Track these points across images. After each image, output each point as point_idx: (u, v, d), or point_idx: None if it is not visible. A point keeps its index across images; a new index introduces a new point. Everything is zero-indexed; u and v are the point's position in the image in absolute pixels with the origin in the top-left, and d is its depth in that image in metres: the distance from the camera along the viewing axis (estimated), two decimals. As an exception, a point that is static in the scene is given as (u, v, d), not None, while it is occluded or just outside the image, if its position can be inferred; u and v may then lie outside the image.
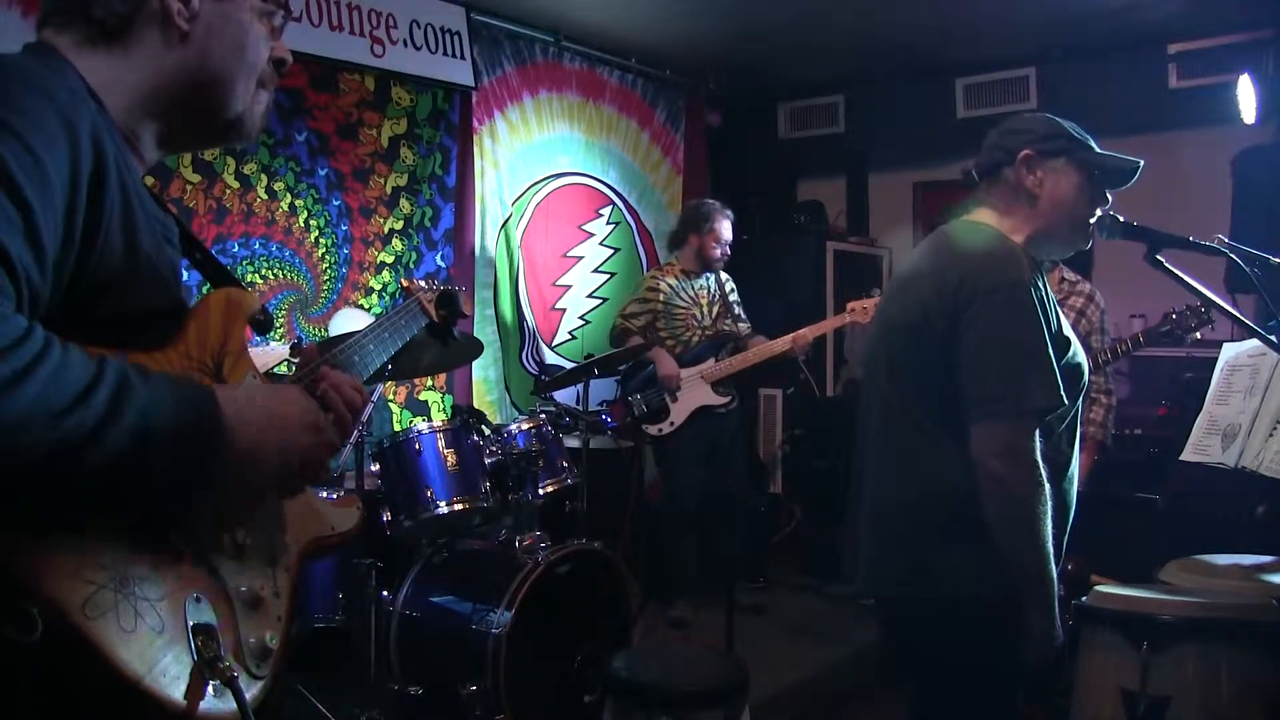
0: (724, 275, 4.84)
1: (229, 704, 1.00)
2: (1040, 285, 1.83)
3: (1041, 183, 1.92)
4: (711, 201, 4.75)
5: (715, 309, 4.77)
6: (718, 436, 4.68)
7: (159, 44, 1.13)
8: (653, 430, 4.66)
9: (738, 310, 4.84)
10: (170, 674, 0.95)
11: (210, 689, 0.98)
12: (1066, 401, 1.78)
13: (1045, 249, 2.00)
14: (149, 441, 0.90)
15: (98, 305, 1.02)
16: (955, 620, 1.81)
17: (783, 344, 4.57)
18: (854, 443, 2.07)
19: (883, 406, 1.93)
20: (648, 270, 5.95)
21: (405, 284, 1.67)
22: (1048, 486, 1.76)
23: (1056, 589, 1.78)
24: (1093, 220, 1.98)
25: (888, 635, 2.05)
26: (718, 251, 4.68)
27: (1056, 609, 1.78)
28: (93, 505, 0.91)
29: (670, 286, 4.72)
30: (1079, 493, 1.98)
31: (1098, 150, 1.95)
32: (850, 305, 4.46)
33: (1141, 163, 1.95)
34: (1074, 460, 1.94)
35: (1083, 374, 1.91)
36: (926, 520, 1.84)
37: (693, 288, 4.75)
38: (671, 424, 4.63)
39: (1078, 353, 1.90)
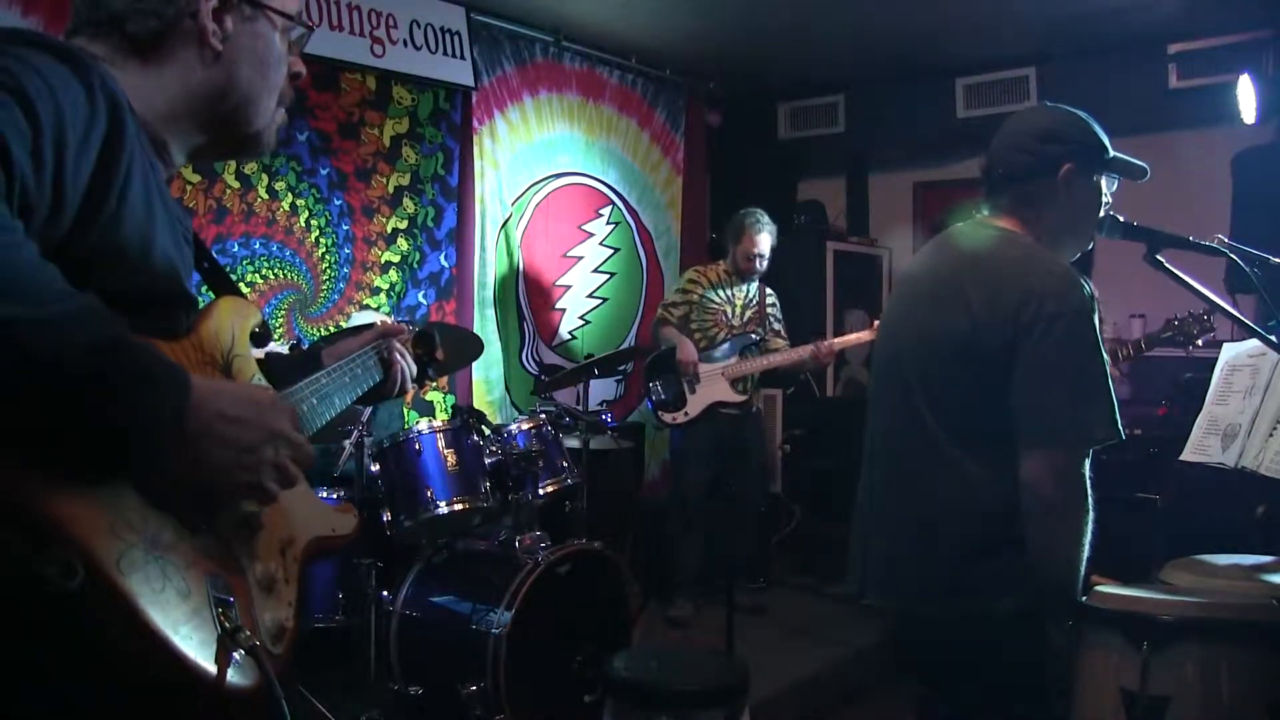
0: (769, 290, 4.91)
1: (248, 679, 1.01)
2: (1095, 304, 1.78)
3: (1075, 195, 1.89)
4: (752, 212, 4.76)
5: (748, 314, 4.82)
6: (730, 439, 4.69)
7: (191, 62, 1.16)
8: (667, 418, 4.69)
9: (777, 325, 4.89)
10: (196, 639, 0.96)
11: (234, 661, 0.99)
12: (1124, 435, 1.76)
13: (1062, 254, 1.96)
14: (106, 371, 0.89)
15: (110, 275, 1.02)
16: (991, 632, 1.81)
17: (800, 353, 4.59)
18: (865, 446, 2.04)
19: (913, 420, 1.88)
20: (646, 269, 5.98)
21: (381, 324, 1.67)
22: (1093, 511, 1.76)
23: (1079, 597, 1.81)
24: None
25: (915, 650, 2.03)
26: (741, 262, 4.74)
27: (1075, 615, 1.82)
28: (31, 419, 0.89)
29: (709, 284, 4.81)
30: None
31: (1115, 154, 1.93)
32: (876, 322, 4.45)
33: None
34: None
35: None
36: (963, 537, 1.82)
37: (729, 291, 4.82)
38: (686, 414, 4.66)
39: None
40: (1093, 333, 1.74)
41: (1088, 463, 1.76)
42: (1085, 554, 1.77)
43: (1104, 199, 1.95)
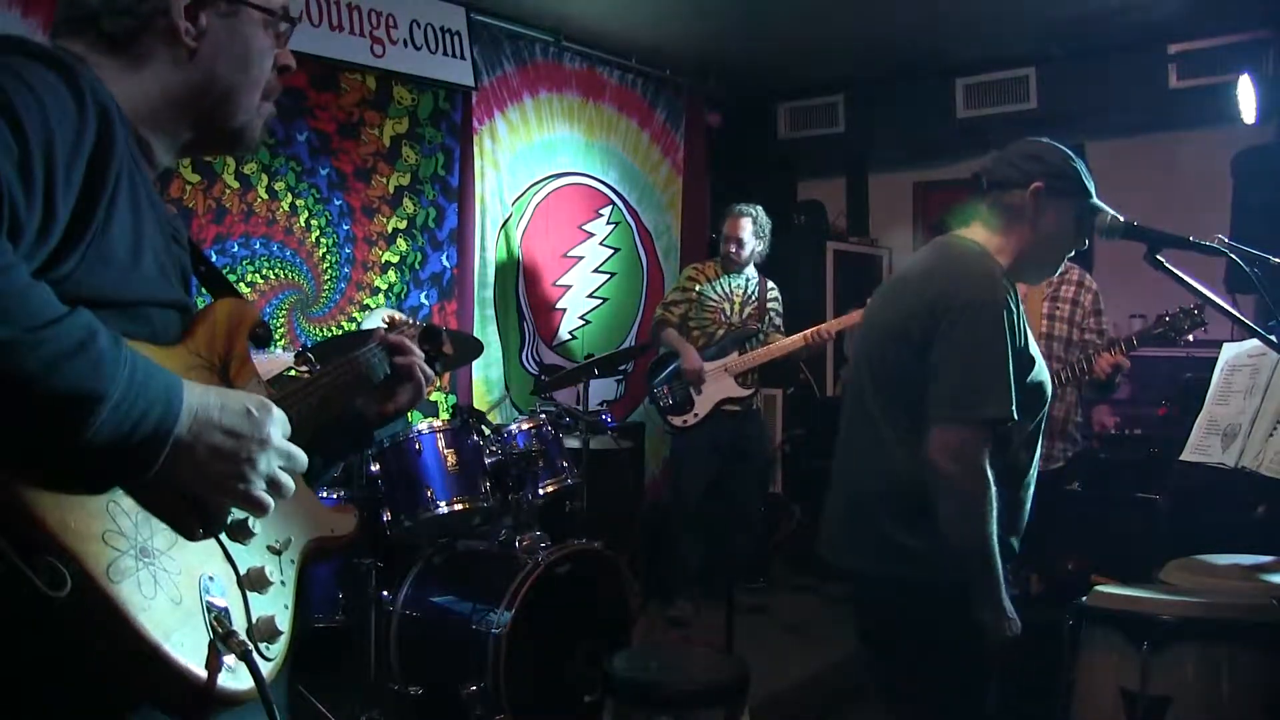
0: (771, 284, 4.91)
1: (242, 683, 1.01)
2: (1013, 307, 1.93)
3: (1041, 215, 2.02)
4: (740, 204, 4.80)
5: (748, 310, 4.82)
6: (731, 438, 4.69)
7: (167, 60, 1.15)
8: (677, 422, 4.69)
9: (777, 320, 4.88)
10: (188, 645, 0.96)
11: (226, 665, 0.99)
12: (1017, 415, 1.90)
13: (1023, 273, 2.12)
14: (99, 387, 0.89)
15: (100, 282, 1.01)
16: (914, 599, 1.97)
17: (800, 339, 4.57)
18: (839, 423, 2.21)
19: (861, 400, 2.08)
20: (646, 269, 6.00)
21: (389, 318, 1.65)
22: (994, 489, 1.89)
23: (1001, 580, 1.92)
24: (1068, 258, 2.16)
25: (863, 611, 2.18)
26: (725, 247, 4.77)
27: (1004, 597, 1.91)
28: (25, 433, 0.88)
29: (706, 280, 4.83)
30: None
31: (1095, 201, 2.04)
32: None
33: (1125, 222, 2.03)
34: (1033, 468, 2.09)
35: (1045, 392, 2.05)
36: (892, 508, 1.98)
37: (727, 285, 4.82)
38: (695, 415, 4.67)
39: (1041, 371, 2.03)
40: (997, 322, 1.89)
41: (986, 445, 1.88)
42: (992, 530, 1.88)
43: (1075, 240, 2.08)
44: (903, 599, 1.99)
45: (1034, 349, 2.01)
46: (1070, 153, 2.07)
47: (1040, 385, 2.03)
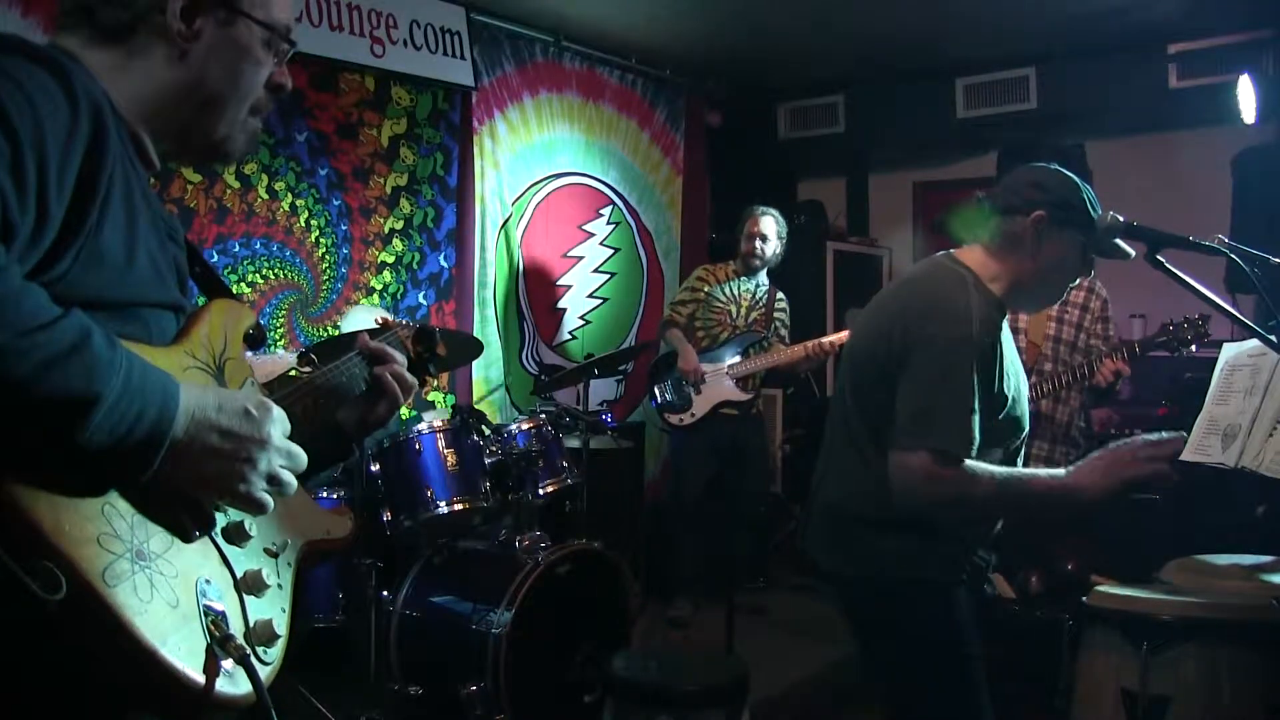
0: (780, 294, 4.91)
1: (239, 688, 1.01)
2: (990, 346, 1.92)
3: (1042, 245, 2.00)
4: (758, 205, 4.81)
5: (754, 315, 4.80)
6: (730, 439, 4.69)
7: (158, 58, 1.14)
8: (673, 420, 4.69)
9: (783, 331, 4.88)
10: (185, 649, 0.96)
11: (223, 670, 0.99)
12: (972, 453, 1.88)
13: (1020, 301, 2.11)
14: (93, 390, 0.89)
15: (94, 283, 1.01)
16: (882, 595, 2.03)
17: (801, 349, 4.56)
18: (824, 428, 2.26)
19: (842, 410, 2.11)
20: (646, 269, 6.00)
21: (382, 320, 1.63)
22: (967, 471, 1.86)
23: (1055, 500, 1.93)
24: (1070, 286, 2.18)
25: (842, 602, 2.23)
26: (744, 246, 4.75)
27: (1073, 496, 1.90)
28: (19, 436, 0.89)
29: (715, 282, 4.83)
30: None
31: (1099, 229, 2.02)
32: None
33: (1133, 253, 2.02)
34: None
35: (1021, 427, 2.05)
36: (862, 516, 2.03)
37: (736, 289, 4.82)
38: (693, 415, 4.66)
39: (1017, 406, 2.02)
40: (964, 361, 1.88)
41: (941, 466, 1.86)
42: (994, 495, 1.88)
43: (1078, 270, 2.08)
44: (885, 597, 2.02)
45: (1013, 388, 1.99)
46: (1079, 181, 2.03)
47: (1017, 419, 2.03)
